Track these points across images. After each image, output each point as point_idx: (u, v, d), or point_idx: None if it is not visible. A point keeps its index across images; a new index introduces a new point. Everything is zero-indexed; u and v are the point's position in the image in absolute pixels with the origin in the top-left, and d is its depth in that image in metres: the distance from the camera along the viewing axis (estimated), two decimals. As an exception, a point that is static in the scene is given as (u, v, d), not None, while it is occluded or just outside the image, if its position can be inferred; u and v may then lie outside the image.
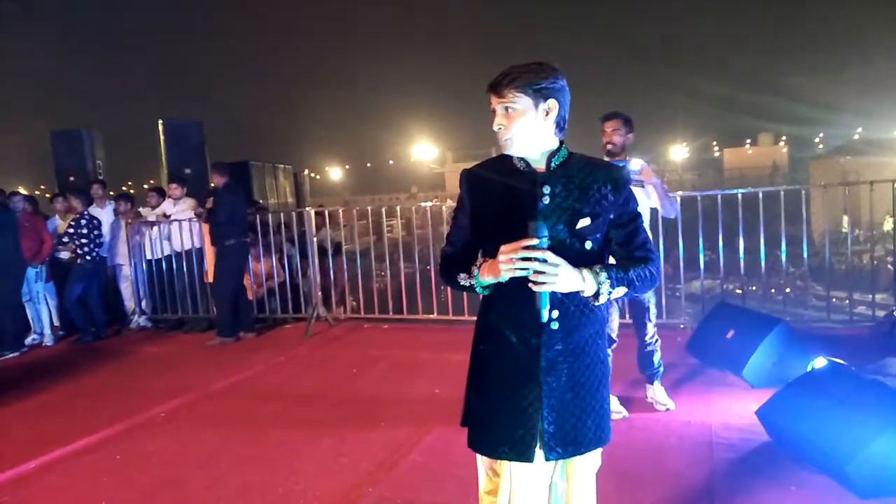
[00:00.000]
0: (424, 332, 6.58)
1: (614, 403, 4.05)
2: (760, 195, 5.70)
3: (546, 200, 1.74)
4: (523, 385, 1.76)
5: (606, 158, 3.96)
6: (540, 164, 1.78)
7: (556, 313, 1.72)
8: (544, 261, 1.62)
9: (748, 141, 60.48)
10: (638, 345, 4.08)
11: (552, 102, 1.74)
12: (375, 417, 4.21)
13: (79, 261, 7.01)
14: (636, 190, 3.86)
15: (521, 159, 1.79)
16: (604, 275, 1.68)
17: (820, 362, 3.94)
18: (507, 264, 1.64)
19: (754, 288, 6.62)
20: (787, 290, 7.49)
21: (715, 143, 62.57)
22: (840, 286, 7.21)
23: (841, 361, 3.92)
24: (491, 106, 1.76)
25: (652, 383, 4.12)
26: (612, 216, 1.78)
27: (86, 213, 7.06)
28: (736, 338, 4.43)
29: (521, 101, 1.72)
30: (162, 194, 7.89)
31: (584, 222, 1.73)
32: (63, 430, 4.30)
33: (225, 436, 4.09)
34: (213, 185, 6.77)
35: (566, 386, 1.76)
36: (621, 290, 1.72)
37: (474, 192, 1.85)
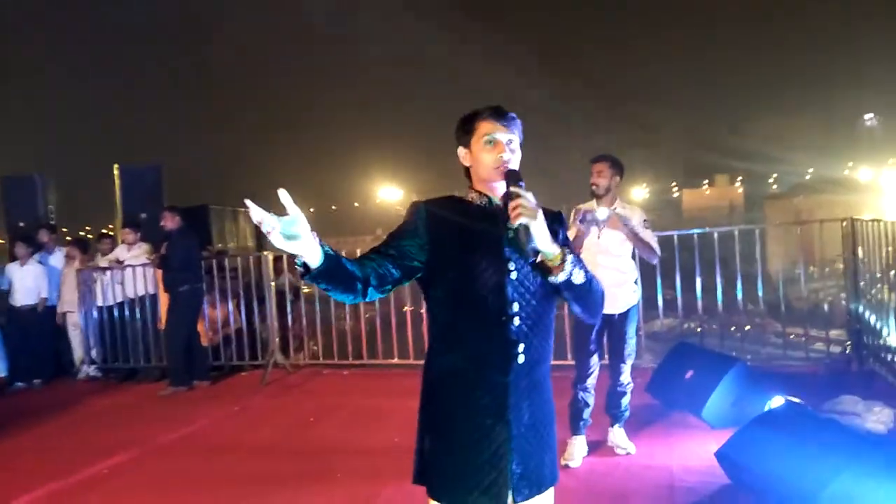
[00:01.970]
0: (385, 378, 6.45)
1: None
2: (716, 235, 5.81)
3: (511, 235, 1.74)
4: (492, 426, 1.73)
5: (592, 200, 3.97)
6: (498, 203, 1.81)
7: (522, 346, 1.73)
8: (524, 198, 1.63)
9: (706, 182, 62.12)
10: (610, 384, 4.01)
11: (519, 147, 1.84)
12: (333, 469, 4.07)
13: None
14: (615, 233, 3.84)
15: (485, 197, 1.82)
16: (567, 250, 1.70)
17: (777, 401, 3.96)
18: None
19: (714, 326, 6.68)
20: (747, 327, 7.57)
21: (674, 184, 64.12)
22: (797, 323, 7.32)
23: (797, 400, 3.94)
24: (489, 134, 1.78)
25: (614, 426, 4.06)
26: None
27: None
28: (695, 378, 4.43)
29: (518, 139, 1.81)
30: (112, 241, 7.74)
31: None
32: (1, 487, 4.05)
33: (172, 494, 3.90)
34: (162, 225, 6.62)
35: (528, 423, 1.75)
36: (580, 276, 1.69)
37: (434, 225, 1.80)
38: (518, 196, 1.64)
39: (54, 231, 7.99)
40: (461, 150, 1.86)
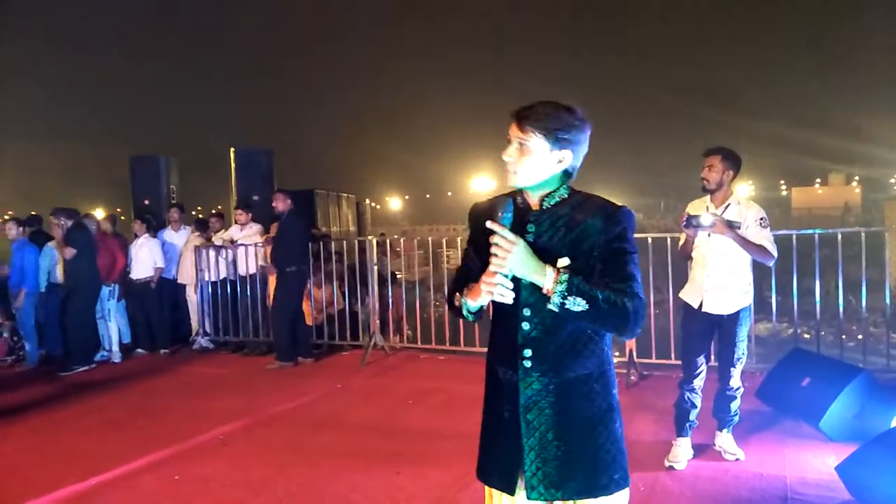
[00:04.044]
0: (481, 365, 6.45)
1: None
2: (839, 236, 5.45)
3: (530, 238, 1.71)
4: (508, 419, 1.78)
5: (706, 195, 3.84)
6: (536, 203, 1.77)
7: (529, 352, 1.72)
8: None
9: (818, 180, 58.64)
10: (718, 388, 3.86)
11: (567, 153, 1.72)
12: (431, 451, 4.15)
13: None
14: (724, 239, 3.67)
15: (522, 197, 1.79)
16: (565, 276, 1.61)
17: (905, 417, 3.69)
18: (487, 283, 1.65)
19: (823, 333, 6.29)
20: (860, 336, 7.10)
21: (783, 181, 60.91)
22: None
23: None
24: (509, 133, 1.73)
25: (722, 430, 3.92)
26: (597, 252, 1.70)
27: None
28: (812, 386, 4.19)
29: (535, 142, 1.69)
30: (224, 220, 8.19)
31: (564, 261, 1.68)
32: (125, 447, 4.39)
33: (281, 462, 4.09)
34: (274, 206, 6.92)
35: (548, 426, 1.73)
36: (580, 304, 1.60)
37: (476, 225, 1.85)
38: (494, 233, 1.62)
39: (183, 210, 8.52)
40: None
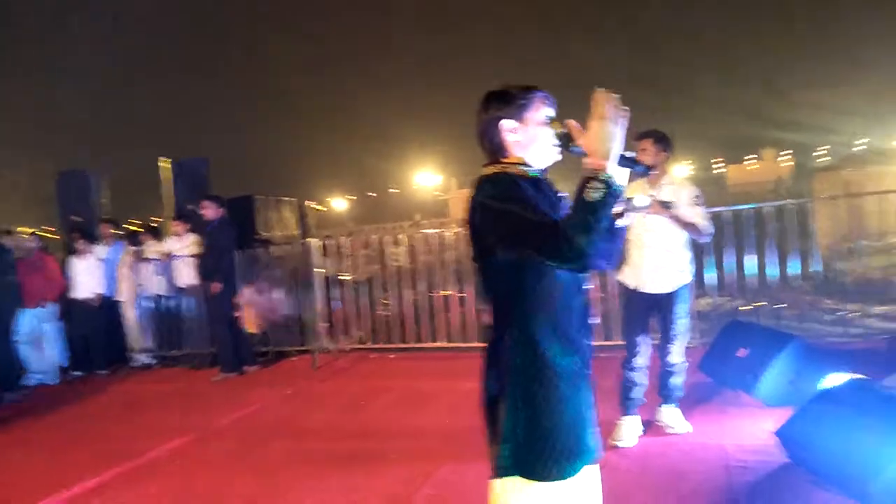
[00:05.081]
0: (431, 361, 6.50)
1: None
2: (764, 211, 5.65)
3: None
4: (587, 388, 1.84)
5: (640, 178, 3.91)
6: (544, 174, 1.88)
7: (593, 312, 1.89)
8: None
9: (753, 156, 60.72)
10: (660, 365, 3.94)
11: None
12: (386, 451, 4.12)
13: None
14: (660, 219, 3.77)
15: (534, 169, 1.84)
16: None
17: (835, 378, 3.85)
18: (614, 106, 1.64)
19: (762, 304, 6.53)
20: (785, 304, 7.42)
21: (718, 160, 62.82)
22: (851, 299, 7.10)
23: (861, 376, 3.82)
24: (548, 113, 1.82)
25: (665, 405, 4.00)
26: None
27: None
28: (749, 356, 4.34)
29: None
30: (154, 234, 7.95)
31: None
32: (68, 472, 4.22)
33: (232, 474, 4.00)
34: (202, 214, 6.74)
35: None
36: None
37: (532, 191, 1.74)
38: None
39: (117, 226, 8.24)
40: (509, 123, 1.80)
